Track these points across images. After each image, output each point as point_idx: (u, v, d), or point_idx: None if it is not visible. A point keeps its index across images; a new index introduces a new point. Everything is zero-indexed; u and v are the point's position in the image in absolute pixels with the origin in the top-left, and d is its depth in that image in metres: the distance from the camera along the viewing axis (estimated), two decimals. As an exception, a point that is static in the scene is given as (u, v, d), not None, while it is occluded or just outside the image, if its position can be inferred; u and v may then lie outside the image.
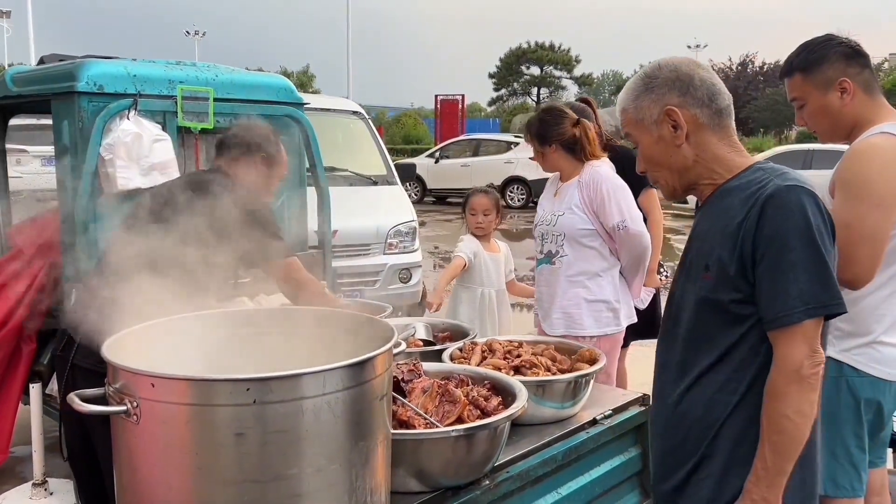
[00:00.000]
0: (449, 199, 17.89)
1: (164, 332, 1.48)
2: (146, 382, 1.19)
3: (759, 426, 1.42)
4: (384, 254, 5.39)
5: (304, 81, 43.82)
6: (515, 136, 19.14)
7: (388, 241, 5.41)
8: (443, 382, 1.91)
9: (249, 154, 2.46)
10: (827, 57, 1.95)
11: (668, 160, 1.54)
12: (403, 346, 1.57)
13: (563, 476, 2.02)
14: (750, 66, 42.38)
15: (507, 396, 1.90)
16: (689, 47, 45.82)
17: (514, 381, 1.95)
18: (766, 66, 41.10)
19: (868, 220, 1.74)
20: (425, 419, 1.80)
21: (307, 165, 3.57)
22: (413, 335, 2.58)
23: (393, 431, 1.62)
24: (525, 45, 47.60)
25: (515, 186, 16.94)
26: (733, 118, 1.53)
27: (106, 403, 1.26)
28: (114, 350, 1.30)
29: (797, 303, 1.36)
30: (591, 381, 2.18)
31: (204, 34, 49.14)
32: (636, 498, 2.30)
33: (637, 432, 2.30)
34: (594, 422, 2.16)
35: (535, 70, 48.36)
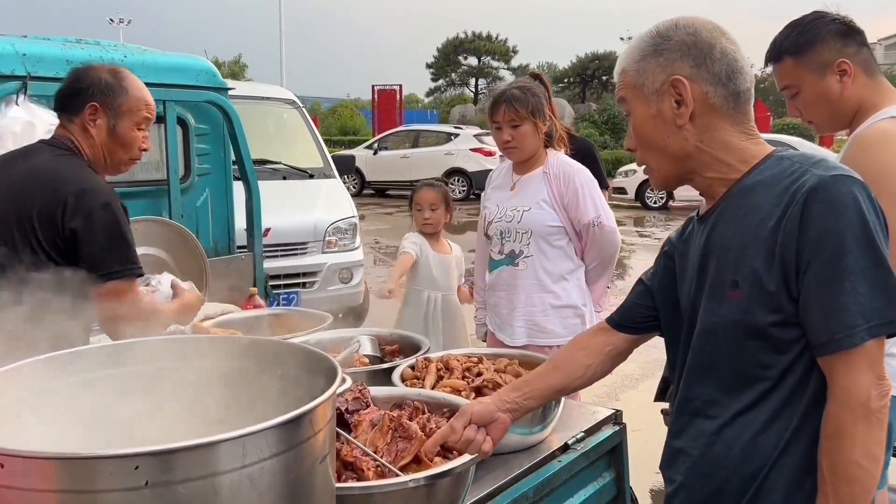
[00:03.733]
0: (388, 192, 17.53)
1: (16, 380, 1.11)
2: (-9, 462, 0.86)
3: (815, 475, 1.18)
4: (323, 252, 5.02)
5: (237, 71, 42.45)
6: (455, 128, 18.92)
7: (327, 238, 5.05)
8: (395, 415, 1.62)
9: (80, 105, 1.98)
10: (820, 37, 1.74)
11: (663, 141, 1.27)
12: (349, 383, 1.28)
13: (534, 514, 1.76)
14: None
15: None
16: (621, 39, 46.55)
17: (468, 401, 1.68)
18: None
19: (890, 217, 1.53)
20: (375, 461, 1.51)
21: (233, 158, 3.20)
22: (357, 351, 2.28)
23: (337, 486, 1.33)
24: (463, 35, 47.42)
25: (456, 178, 16.69)
26: (752, 104, 1.27)
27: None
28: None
29: (858, 319, 1.10)
30: (562, 401, 1.93)
31: (129, 22, 47.01)
32: (611, 528, 2.07)
33: (611, 455, 2.07)
34: (566, 447, 1.91)
35: (473, 61, 48.26)
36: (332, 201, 5.30)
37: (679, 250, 1.42)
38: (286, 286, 4.67)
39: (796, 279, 1.14)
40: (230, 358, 1.26)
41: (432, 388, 1.92)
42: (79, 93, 2.01)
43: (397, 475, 1.45)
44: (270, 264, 4.59)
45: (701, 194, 1.33)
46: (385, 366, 2.13)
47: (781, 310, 1.16)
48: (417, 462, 1.53)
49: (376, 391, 1.82)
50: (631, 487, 2.14)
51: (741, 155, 1.25)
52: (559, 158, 2.61)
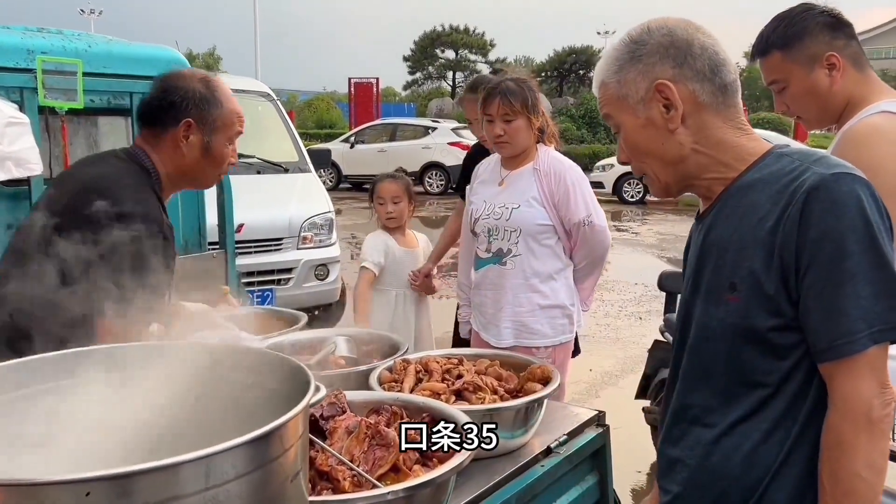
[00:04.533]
0: (365, 186, 17.31)
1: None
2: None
3: (817, 488, 1.13)
4: (298, 248, 4.92)
5: (211, 64, 41.80)
6: (433, 121, 18.81)
7: (303, 234, 4.95)
8: (372, 422, 1.55)
9: (172, 121, 1.78)
10: (808, 30, 1.70)
11: (658, 149, 1.21)
12: (322, 393, 1.21)
13: (517, 522, 1.71)
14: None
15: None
16: (598, 33, 46.68)
17: (457, 411, 1.62)
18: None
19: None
20: (351, 470, 1.44)
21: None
22: (333, 352, 2.20)
23: (312, 499, 1.26)
24: (440, 28, 47.20)
25: (434, 172, 16.62)
26: (740, 95, 1.22)
27: None
28: None
29: (860, 325, 1.05)
30: (545, 404, 1.88)
31: (100, 13, 46.05)
32: (593, 532, 2.02)
33: (594, 458, 2.02)
34: (548, 451, 1.86)
35: (451, 54, 48.05)
36: (307, 196, 5.19)
37: (685, 250, 1.38)
38: (260, 283, 4.57)
39: (796, 282, 1.09)
40: (196, 366, 1.18)
41: (411, 392, 1.86)
42: (171, 107, 1.79)
43: (375, 485, 1.39)
44: (244, 261, 4.49)
45: (701, 198, 1.27)
46: (362, 368, 2.06)
47: (781, 313, 1.11)
48: (396, 471, 1.46)
49: (353, 395, 1.75)
50: (614, 489, 2.09)
51: (738, 152, 1.20)
52: (550, 155, 2.53)
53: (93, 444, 1.00)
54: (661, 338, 3.40)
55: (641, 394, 3.52)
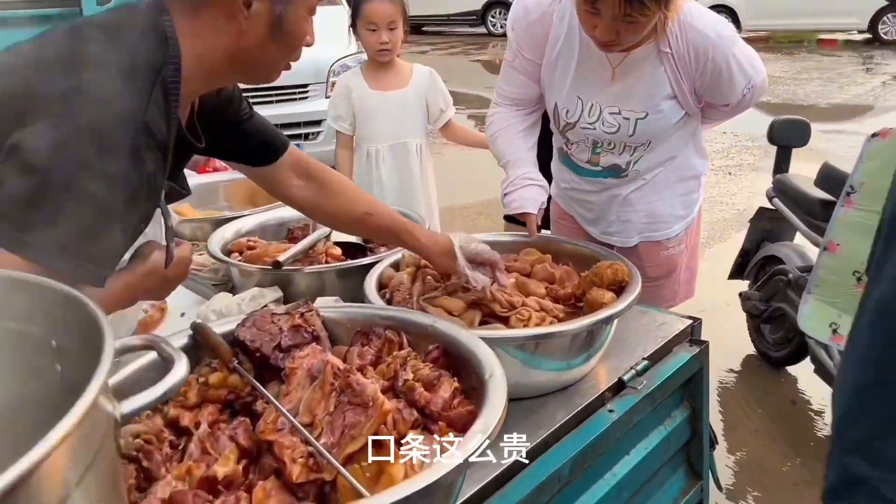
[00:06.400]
0: (424, 28, 16.15)
1: None
2: None
3: None
4: (327, 97, 4.21)
5: None
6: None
7: (332, 79, 4.24)
8: (342, 367, 1.00)
9: None
10: None
11: None
12: (182, 371, 0.63)
13: (570, 491, 1.18)
14: None
15: (470, 374, 1.02)
16: None
17: (481, 344, 1.05)
18: None
19: None
20: (308, 444, 0.92)
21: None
22: (328, 238, 1.64)
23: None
24: None
25: (499, 11, 15.19)
26: None
27: None
28: None
29: None
30: (615, 323, 1.29)
31: None
32: (681, 481, 1.49)
33: (685, 386, 1.44)
34: (620, 385, 1.29)
35: None
36: (337, 33, 4.15)
37: None
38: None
39: None
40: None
41: (420, 299, 1.29)
42: None
43: (342, 473, 0.87)
44: (264, 112, 3.86)
45: None
46: (362, 262, 1.50)
47: None
48: (378, 447, 0.92)
49: (334, 311, 1.20)
50: (710, 425, 1.53)
51: None
52: (682, 22, 1.52)
53: None
54: (767, 204, 2.69)
55: (737, 273, 2.87)
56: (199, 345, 1.09)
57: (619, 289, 1.32)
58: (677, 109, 1.62)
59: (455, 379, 1.03)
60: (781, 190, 2.58)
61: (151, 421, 0.99)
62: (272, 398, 1.00)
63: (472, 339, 1.06)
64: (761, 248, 2.74)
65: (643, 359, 1.35)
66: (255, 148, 1.25)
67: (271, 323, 1.13)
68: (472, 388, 1.02)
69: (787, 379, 2.84)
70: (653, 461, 1.36)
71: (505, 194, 1.67)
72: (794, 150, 2.70)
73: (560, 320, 1.29)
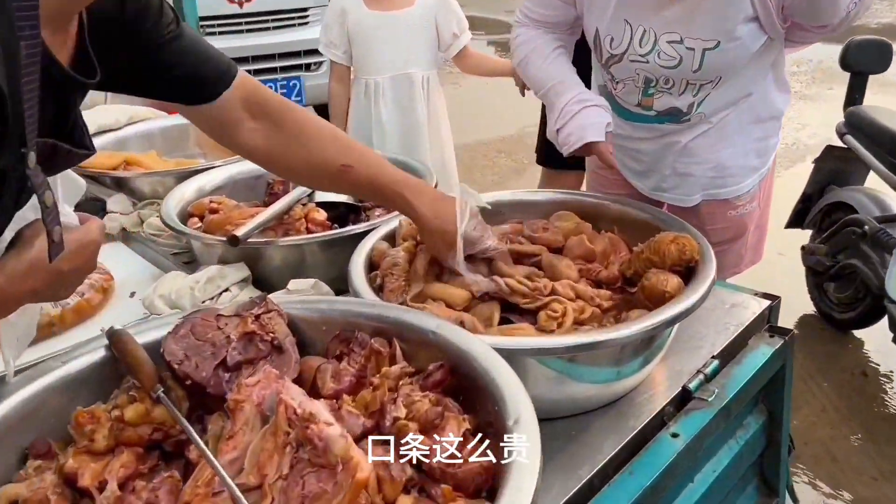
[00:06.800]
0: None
1: None
2: None
3: None
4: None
5: None
6: None
7: (336, 2, 3.83)
8: (306, 412, 0.70)
9: None
10: None
11: None
12: None
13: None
14: None
15: (485, 402, 0.72)
16: None
17: (503, 367, 0.75)
18: None
19: None
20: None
21: None
22: (310, 197, 1.33)
23: None
24: None
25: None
26: None
27: None
28: None
29: None
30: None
31: None
32: (753, 497, 1.20)
33: (763, 388, 1.14)
34: (685, 396, 0.99)
35: None
36: None
37: None
38: (284, 69, 3.58)
39: None
40: None
41: (411, 296, 0.99)
42: None
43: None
44: (260, 40, 3.50)
45: None
46: (351, 231, 1.18)
47: None
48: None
49: (305, 308, 0.90)
50: (790, 434, 1.23)
51: None
52: None
53: None
54: (837, 142, 2.30)
55: (796, 221, 2.49)
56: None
57: (684, 269, 1.00)
58: (758, 34, 1.24)
59: (465, 417, 0.73)
60: (855, 124, 2.19)
61: (40, 477, 0.71)
62: (205, 449, 0.71)
63: (490, 356, 0.76)
64: (826, 193, 2.36)
65: (712, 357, 1.05)
66: (185, 80, 0.89)
67: (216, 329, 0.83)
68: (489, 423, 0.72)
69: (853, 344, 2.47)
70: (721, 486, 1.07)
71: (557, 130, 1.31)
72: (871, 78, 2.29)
73: (604, 311, 0.98)
